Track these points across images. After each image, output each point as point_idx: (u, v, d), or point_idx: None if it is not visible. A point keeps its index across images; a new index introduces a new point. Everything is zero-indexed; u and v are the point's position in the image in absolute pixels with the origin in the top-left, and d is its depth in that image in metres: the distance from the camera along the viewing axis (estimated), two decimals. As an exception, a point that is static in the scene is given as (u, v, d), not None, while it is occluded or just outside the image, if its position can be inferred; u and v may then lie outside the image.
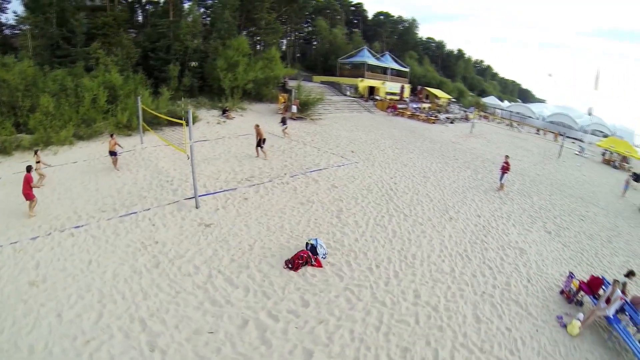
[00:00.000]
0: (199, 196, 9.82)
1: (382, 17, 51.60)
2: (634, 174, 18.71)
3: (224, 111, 23.22)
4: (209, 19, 31.50)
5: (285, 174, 12.79)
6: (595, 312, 6.69)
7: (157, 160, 13.41)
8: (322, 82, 37.86)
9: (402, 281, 7.17)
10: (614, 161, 26.07)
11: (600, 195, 16.39)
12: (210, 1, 32.46)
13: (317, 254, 7.44)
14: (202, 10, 30.97)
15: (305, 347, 5.18)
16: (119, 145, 12.97)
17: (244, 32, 33.57)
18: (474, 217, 11.05)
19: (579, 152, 27.53)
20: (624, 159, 26.10)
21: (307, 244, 7.61)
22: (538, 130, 37.63)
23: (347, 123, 25.70)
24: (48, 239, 7.72)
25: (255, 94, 27.77)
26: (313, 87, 33.69)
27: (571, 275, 7.66)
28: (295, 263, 7.05)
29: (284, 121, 18.87)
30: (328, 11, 44.70)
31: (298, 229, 8.85)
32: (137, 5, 31.59)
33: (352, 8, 49.98)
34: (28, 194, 8.65)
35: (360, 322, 5.84)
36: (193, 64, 25.91)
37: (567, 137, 30.84)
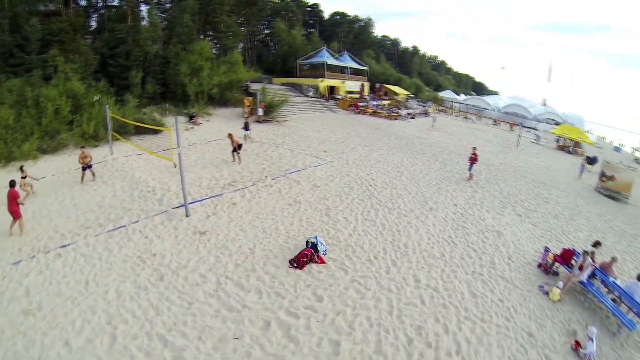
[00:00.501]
0: (182, 205, 9.84)
1: (338, 17, 53.13)
2: (588, 157, 21.25)
3: (191, 117, 23.26)
4: (165, 22, 31.09)
5: (266, 176, 13.07)
6: (571, 279, 7.79)
7: (132, 170, 13.20)
8: (283, 84, 38.40)
9: (401, 269, 7.83)
10: (568, 147, 29.22)
11: (560, 179, 18.44)
12: (167, 5, 31.92)
13: (318, 251, 7.86)
14: (159, 14, 30.49)
15: (330, 338, 5.58)
16: (91, 157, 12.71)
17: (203, 36, 33.36)
18: (451, 206, 12.08)
19: (535, 140, 30.54)
20: (576, 144, 29.37)
21: (307, 242, 8.01)
22: (495, 121, 41.02)
23: (312, 123, 26.37)
24: (33, 262, 7.38)
25: (219, 99, 27.95)
26: (274, 89, 34.17)
27: (547, 250, 8.80)
28: (300, 262, 7.42)
29: (246, 127, 18.85)
30: (285, 12, 45.27)
31: (292, 229, 9.20)
32: (91, 10, 30.48)
33: (308, 9, 51.00)
34: (15, 211, 8.20)
35: (374, 309, 6.37)
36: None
37: (523, 126, 33.95)
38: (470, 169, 15.34)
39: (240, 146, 14.59)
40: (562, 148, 29.30)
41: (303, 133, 22.16)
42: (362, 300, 6.57)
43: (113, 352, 5.21)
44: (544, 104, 42.34)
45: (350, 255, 8.11)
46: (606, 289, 7.82)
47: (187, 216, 9.59)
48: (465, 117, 42.28)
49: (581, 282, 7.81)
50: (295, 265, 7.42)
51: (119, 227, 8.87)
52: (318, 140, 20.11)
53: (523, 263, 8.98)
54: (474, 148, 15.61)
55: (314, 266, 7.50)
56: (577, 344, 6.26)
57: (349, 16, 53.62)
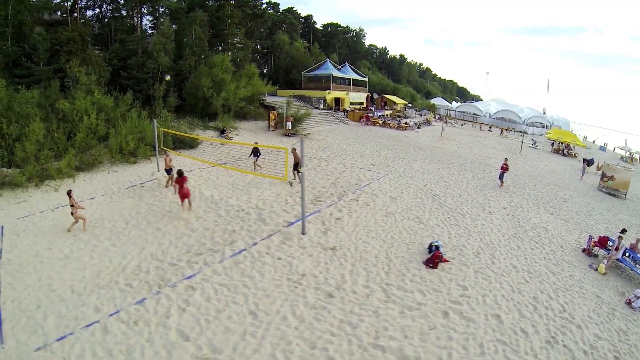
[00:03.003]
0: (293, 223, 11.44)
1: (329, 28, 56.65)
2: (585, 160, 25.71)
3: (222, 131, 24.68)
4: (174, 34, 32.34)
5: (344, 191, 15.33)
6: (611, 257, 11.44)
7: (195, 188, 14.11)
8: (291, 96, 40.98)
9: (500, 259, 10.97)
10: (563, 150, 34.07)
11: (567, 181, 22.70)
12: (168, 17, 32.85)
13: (440, 252, 10.95)
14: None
15: (491, 313, 8.24)
16: (172, 165, 13.79)
17: (211, 49, 35.05)
18: (501, 209, 15.53)
19: (532, 145, 35.25)
20: (567, 146, 34.23)
21: (431, 245, 10.98)
22: (480, 126, 45.99)
23: (337, 136, 29.02)
24: (163, 299, 7.39)
25: (239, 112, 29.54)
26: (283, 101, 36.55)
27: (590, 238, 12.47)
28: (434, 262, 10.28)
29: (255, 152, 17.56)
30: (283, 24, 48.13)
31: (403, 237, 11.72)
32: (93, 20, 31.06)
33: (301, 20, 54.10)
34: (186, 193, 10.72)
35: (501, 289, 9.32)
36: (167, 77, 26.65)
37: (516, 131, 38.68)
38: (501, 177, 18.88)
39: (299, 164, 15.62)
40: (557, 151, 34.20)
41: (337, 147, 24.92)
42: (490, 284, 9.58)
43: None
44: (544, 113, 47.87)
45: (461, 253, 11.10)
46: (634, 262, 11.49)
47: (303, 234, 10.68)
48: (446, 122, 46.71)
49: (618, 259, 11.46)
50: (431, 265, 10.19)
51: (241, 251, 9.57)
52: (357, 154, 23.04)
53: (571, 250, 12.56)
54: (506, 159, 19.29)
55: (443, 265, 10.30)
56: (630, 300, 9.80)
57: (342, 27, 57.36)
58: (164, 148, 16.98)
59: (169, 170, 13.77)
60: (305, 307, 7.43)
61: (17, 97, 16.42)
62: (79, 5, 30.50)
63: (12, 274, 8.43)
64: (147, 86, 26.54)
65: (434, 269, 10.02)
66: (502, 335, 7.62)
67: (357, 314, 7.44)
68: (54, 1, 28.19)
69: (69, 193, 10.43)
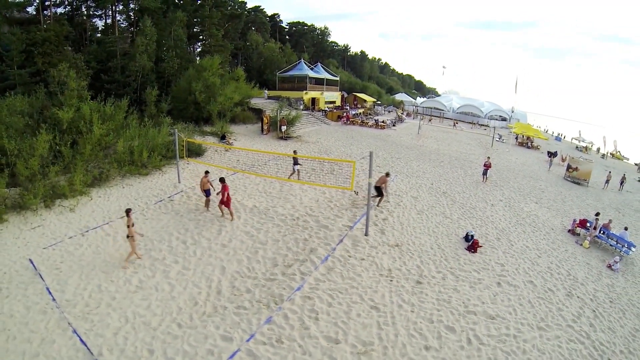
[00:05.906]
0: (352, 227, 13.26)
1: (295, 27, 58.83)
2: (549, 152, 31.25)
3: (223, 137, 25.29)
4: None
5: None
6: (592, 235, 15.91)
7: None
8: (270, 97, 42.67)
9: (515, 242, 14.64)
10: (526, 143, 40.08)
11: (538, 172, 27.87)
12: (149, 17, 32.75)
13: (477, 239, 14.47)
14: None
15: (527, 280, 11.74)
16: (211, 185, 13.63)
17: (192, 50, 35.54)
18: (498, 201, 19.64)
19: (499, 139, 40.96)
20: (528, 138, 40.31)
21: (468, 235, 14.43)
22: (455, 122, 51.81)
23: (327, 138, 31.33)
24: (288, 313, 8.01)
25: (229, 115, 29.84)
26: (265, 103, 38.29)
27: (574, 220, 16.93)
28: (475, 248, 13.80)
29: (296, 161, 18.09)
30: (253, 24, 49.49)
31: (441, 230, 14.70)
32: (65, 19, 29.43)
33: (267, 19, 55.64)
34: (228, 202, 11.82)
35: (525, 263, 12.98)
36: None
37: (480, 125, 44.36)
38: (485, 174, 22.91)
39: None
40: (521, 144, 40.27)
41: (336, 149, 27.18)
42: (517, 261, 13.11)
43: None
44: (512, 111, 54.62)
45: (487, 240, 14.61)
46: (607, 237, 16.07)
47: (366, 235, 12.60)
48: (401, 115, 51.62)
49: (596, 236, 15.98)
50: (472, 250, 13.56)
51: (327, 257, 10.92)
52: (357, 156, 25.70)
53: (559, 231, 16.88)
54: (488, 157, 23.61)
55: (480, 249, 13.64)
56: (610, 265, 14.17)
57: (308, 25, 59.94)
58: (192, 158, 17.55)
59: (207, 192, 13.51)
60: (407, 294, 9.49)
61: (1, 105, 15.41)
62: (50, 3, 28.99)
63: (85, 318, 7.72)
64: (131, 90, 26.31)
65: (475, 253, 13.33)
66: (539, 294, 11.24)
67: (444, 292, 9.96)
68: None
69: (127, 212, 9.70)
